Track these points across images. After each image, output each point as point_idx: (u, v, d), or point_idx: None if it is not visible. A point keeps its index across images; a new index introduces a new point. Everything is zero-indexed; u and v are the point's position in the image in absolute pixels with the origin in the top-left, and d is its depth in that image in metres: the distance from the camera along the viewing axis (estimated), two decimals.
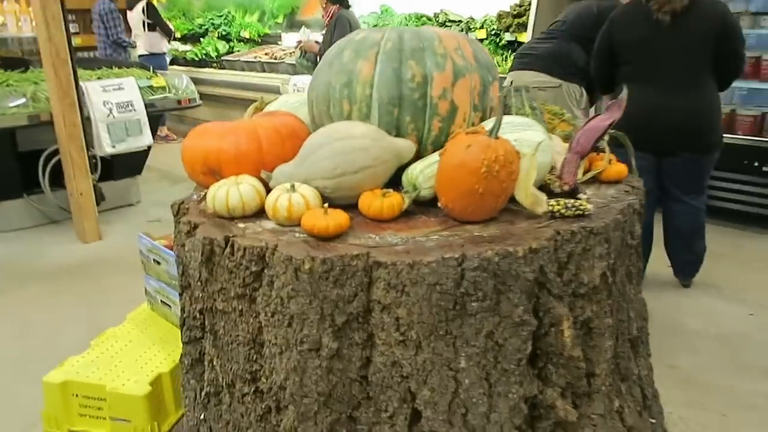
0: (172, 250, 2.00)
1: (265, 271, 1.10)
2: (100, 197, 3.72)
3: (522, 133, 1.28)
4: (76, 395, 1.78)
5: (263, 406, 1.19)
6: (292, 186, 1.17)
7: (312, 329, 1.08)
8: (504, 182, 1.14)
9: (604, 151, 1.45)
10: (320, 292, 1.06)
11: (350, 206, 1.20)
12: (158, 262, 2.05)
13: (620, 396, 1.32)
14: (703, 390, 2.00)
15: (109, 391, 1.73)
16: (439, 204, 1.21)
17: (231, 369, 1.21)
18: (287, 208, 1.14)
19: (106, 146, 3.74)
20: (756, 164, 3.30)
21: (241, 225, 1.20)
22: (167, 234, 2.20)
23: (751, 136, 3.37)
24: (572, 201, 1.20)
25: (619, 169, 1.44)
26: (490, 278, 1.06)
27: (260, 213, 1.24)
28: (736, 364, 2.18)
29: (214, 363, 1.24)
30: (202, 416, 1.31)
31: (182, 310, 1.36)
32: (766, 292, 2.71)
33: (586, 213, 1.20)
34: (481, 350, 1.09)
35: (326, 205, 1.14)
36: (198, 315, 1.29)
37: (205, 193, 1.38)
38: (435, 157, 1.26)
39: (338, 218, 1.11)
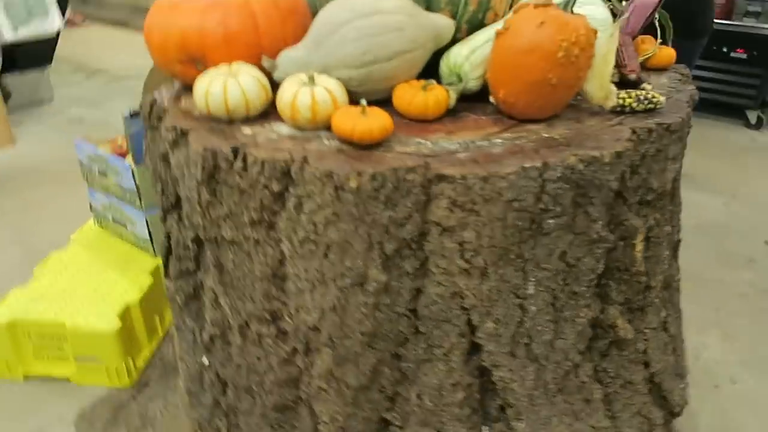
0: (122, 156, 1.68)
1: (290, 189, 0.86)
2: (4, 94, 3.18)
3: (583, 7, 1.05)
4: (29, 335, 1.52)
5: (288, 349, 0.99)
6: (311, 78, 0.91)
7: (356, 260, 0.87)
8: (581, 70, 0.92)
9: (657, 33, 1.25)
10: (368, 216, 0.84)
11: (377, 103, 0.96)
12: (104, 174, 1.73)
13: (666, 306, 1.22)
14: (695, 284, 1.98)
15: (72, 329, 1.47)
16: (491, 98, 0.99)
17: (244, 308, 0.99)
18: (310, 107, 0.88)
19: (6, 31, 3.14)
20: (724, 50, 3.22)
21: (248, 130, 0.93)
22: (108, 137, 1.86)
23: (719, 20, 3.26)
24: (642, 92, 1.01)
25: (669, 53, 1.25)
26: (571, 189, 0.87)
27: (266, 114, 0.97)
28: (720, 255, 2.19)
29: (221, 301, 1.02)
30: (205, 361, 1.11)
31: (167, 237, 1.11)
32: (737, 181, 2.72)
33: (659, 107, 1.01)
34: (552, 273, 0.93)
35: (363, 102, 0.89)
36: (191, 245, 1.04)
37: (184, 88, 1.09)
38: (480, 38, 1.01)
39: (381, 119, 0.87)
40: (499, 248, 0.87)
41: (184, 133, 0.93)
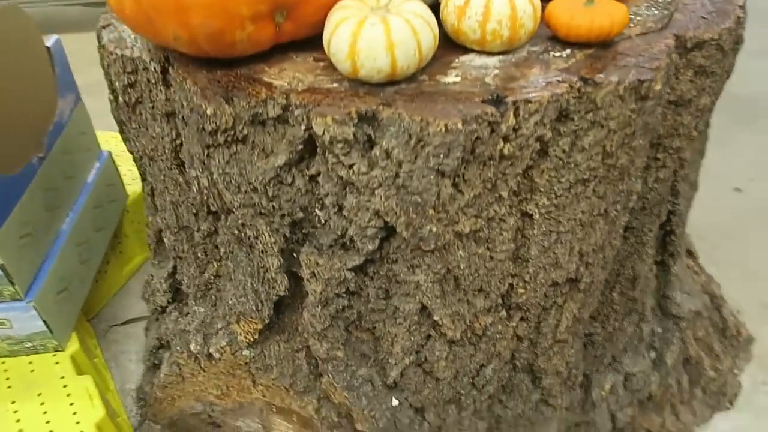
0: None
1: (564, 129, 0.66)
2: None
3: None
4: None
5: (514, 324, 0.82)
6: None
7: (632, 178, 0.74)
8: None
9: None
10: (649, 124, 0.70)
11: None
12: None
13: None
14: None
15: None
16: None
17: (469, 309, 0.77)
18: (509, 19, 0.65)
19: None
20: None
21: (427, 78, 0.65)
22: None
23: None
24: None
25: None
26: None
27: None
28: None
29: (434, 316, 0.76)
30: (395, 402, 0.84)
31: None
32: None
33: None
34: None
35: None
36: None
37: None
38: None
39: (615, 8, 0.69)
40: None
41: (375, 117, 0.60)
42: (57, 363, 1.16)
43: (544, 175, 0.68)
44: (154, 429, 1.21)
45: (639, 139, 0.70)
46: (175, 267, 0.98)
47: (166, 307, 1.04)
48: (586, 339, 0.94)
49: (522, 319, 0.82)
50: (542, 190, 0.69)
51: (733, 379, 1.10)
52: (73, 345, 1.18)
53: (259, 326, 0.82)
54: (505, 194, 0.67)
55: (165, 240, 0.97)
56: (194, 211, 0.87)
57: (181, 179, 0.86)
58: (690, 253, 1.15)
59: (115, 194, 1.43)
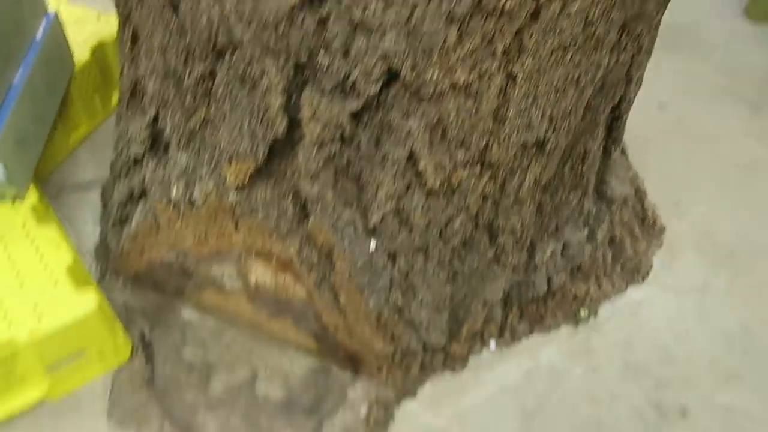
0: None
1: None
2: None
3: None
4: None
5: (485, 180, 0.93)
6: None
7: (615, 30, 0.84)
8: None
9: None
10: None
11: None
12: None
13: None
14: None
15: (34, 340, 0.97)
16: None
17: (450, 162, 0.86)
18: None
19: None
20: None
21: None
22: None
23: None
24: None
25: None
26: None
27: None
28: None
29: (419, 165, 0.84)
30: (372, 247, 0.93)
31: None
32: None
33: None
34: None
35: None
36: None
37: None
38: None
39: None
40: None
41: None
42: (17, 212, 1.15)
43: (533, 38, 0.77)
44: (116, 283, 1.25)
45: (617, 11, 0.79)
46: (156, 116, 1.00)
47: (142, 158, 1.06)
48: (537, 208, 1.06)
49: (491, 177, 0.92)
50: (528, 51, 0.78)
51: (646, 260, 1.28)
52: (33, 196, 1.18)
53: (252, 168, 0.87)
54: (498, 50, 0.75)
55: (148, 88, 0.98)
56: (184, 55, 0.89)
57: (173, 21, 0.87)
58: (623, 150, 1.30)
59: (64, 56, 1.38)
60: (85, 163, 1.46)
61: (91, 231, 1.32)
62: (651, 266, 1.29)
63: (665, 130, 1.61)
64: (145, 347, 1.16)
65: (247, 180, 0.90)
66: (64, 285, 1.05)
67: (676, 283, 1.27)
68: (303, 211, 0.92)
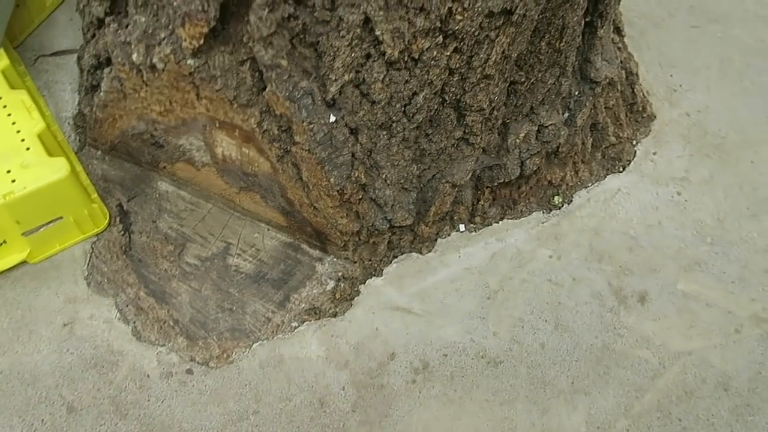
0: None
1: None
2: None
3: None
4: None
5: (448, 54, 0.88)
6: None
7: None
8: None
9: None
10: None
11: None
12: None
13: None
14: None
15: (10, 203, 1.00)
16: None
17: (408, 29, 0.81)
18: None
19: None
20: None
21: None
22: None
23: None
24: None
25: None
26: None
27: None
28: None
29: (377, 30, 0.80)
30: (332, 118, 0.91)
31: None
32: None
33: None
34: None
35: None
36: None
37: None
38: None
39: None
40: None
41: None
42: None
43: None
44: (95, 154, 1.26)
45: None
46: None
47: (104, 19, 1.02)
48: (510, 88, 1.02)
49: (456, 50, 0.88)
50: None
51: (629, 148, 1.25)
52: (3, 60, 1.16)
53: (205, 29, 0.84)
54: None
55: None
56: None
57: None
58: (618, 30, 1.23)
59: None
60: (64, 28, 1.42)
61: (69, 99, 1.31)
62: (634, 155, 1.25)
63: (674, 8, 1.50)
64: (122, 217, 1.19)
65: (202, 43, 0.86)
66: (36, 151, 1.06)
67: (656, 173, 1.24)
68: (261, 82, 0.90)
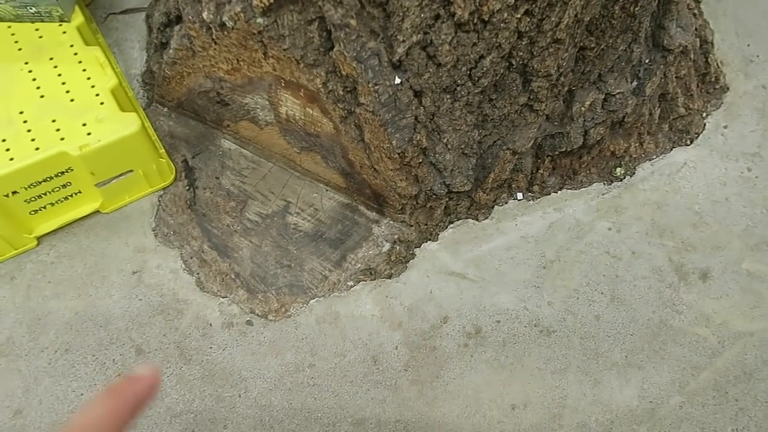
0: None
1: None
2: None
3: None
4: (14, 192, 1.04)
5: (520, 15, 0.87)
6: None
7: None
8: None
9: None
10: None
11: None
12: None
13: None
14: None
15: (85, 155, 1.04)
16: None
17: None
18: None
19: None
20: None
21: None
22: None
23: None
24: None
25: None
26: None
27: None
28: None
29: None
30: (397, 80, 0.91)
31: None
32: None
33: None
34: None
35: None
36: None
37: None
38: None
39: None
40: None
41: None
42: (64, 32, 1.18)
43: None
44: (162, 111, 1.30)
45: None
46: None
47: None
48: (579, 53, 1.00)
49: (527, 12, 0.86)
50: None
51: (699, 120, 1.20)
52: (78, 17, 1.20)
53: None
54: None
55: None
56: None
57: None
58: None
59: None
60: None
61: (138, 56, 1.35)
62: (703, 128, 1.21)
63: None
64: (187, 172, 1.23)
65: (272, 1, 0.87)
66: (109, 106, 1.10)
67: (726, 148, 1.19)
68: (328, 42, 0.90)
